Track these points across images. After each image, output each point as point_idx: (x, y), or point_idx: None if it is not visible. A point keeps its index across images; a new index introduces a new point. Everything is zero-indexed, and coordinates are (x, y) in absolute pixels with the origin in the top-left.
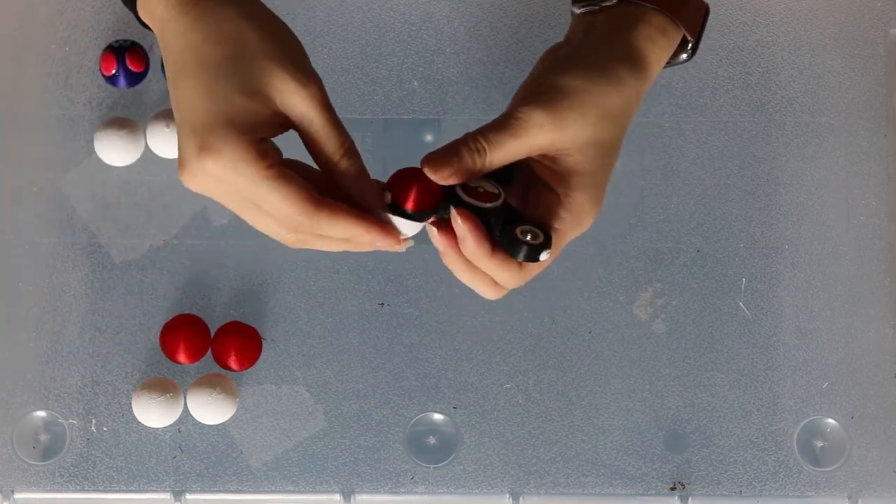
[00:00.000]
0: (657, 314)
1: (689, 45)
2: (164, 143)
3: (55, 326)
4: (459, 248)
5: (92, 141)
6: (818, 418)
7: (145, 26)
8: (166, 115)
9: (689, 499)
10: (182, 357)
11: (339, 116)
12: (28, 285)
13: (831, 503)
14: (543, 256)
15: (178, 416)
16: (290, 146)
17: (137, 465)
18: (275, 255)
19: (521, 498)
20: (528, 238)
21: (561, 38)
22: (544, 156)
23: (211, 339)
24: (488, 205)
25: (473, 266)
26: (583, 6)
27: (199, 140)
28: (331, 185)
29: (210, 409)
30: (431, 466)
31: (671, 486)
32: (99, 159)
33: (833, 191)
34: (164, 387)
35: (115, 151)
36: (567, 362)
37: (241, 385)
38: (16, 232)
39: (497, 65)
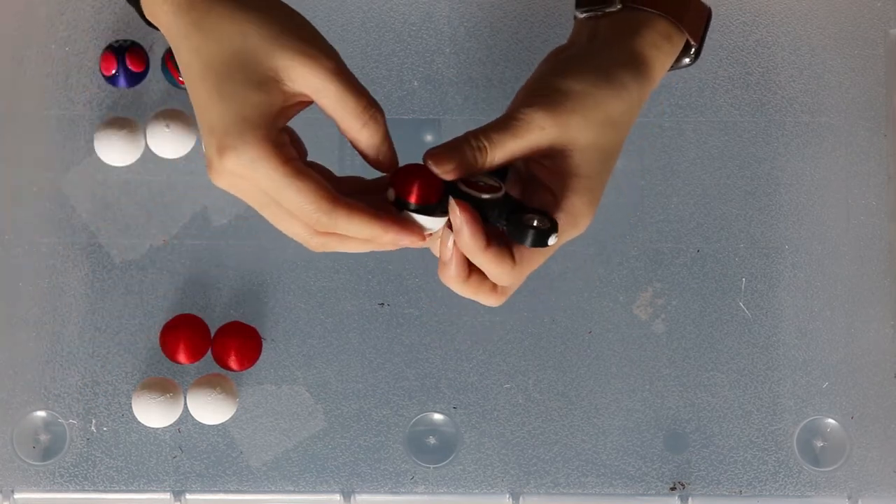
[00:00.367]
0: (657, 314)
1: (692, 49)
2: (164, 143)
3: (55, 326)
4: (461, 262)
5: (92, 141)
6: (818, 418)
7: (153, 27)
8: (166, 115)
9: (689, 499)
10: (182, 357)
11: None
12: (28, 285)
13: (831, 503)
14: (552, 241)
15: (178, 416)
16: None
17: (137, 465)
18: (275, 255)
19: (521, 498)
20: (535, 223)
21: (561, 39)
22: (544, 157)
23: (211, 339)
24: (489, 196)
25: (468, 274)
26: (586, 11)
27: (217, 140)
28: (353, 187)
29: (210, 409)
30: (431, 466)
31: (671, 486)
32: (99, 159)
33: (833, 191)
34: (164, 387)
35: (115, 151)
36: (567, 362)
37: (241, 385)
38: (16, 232)
39: (497, 65)
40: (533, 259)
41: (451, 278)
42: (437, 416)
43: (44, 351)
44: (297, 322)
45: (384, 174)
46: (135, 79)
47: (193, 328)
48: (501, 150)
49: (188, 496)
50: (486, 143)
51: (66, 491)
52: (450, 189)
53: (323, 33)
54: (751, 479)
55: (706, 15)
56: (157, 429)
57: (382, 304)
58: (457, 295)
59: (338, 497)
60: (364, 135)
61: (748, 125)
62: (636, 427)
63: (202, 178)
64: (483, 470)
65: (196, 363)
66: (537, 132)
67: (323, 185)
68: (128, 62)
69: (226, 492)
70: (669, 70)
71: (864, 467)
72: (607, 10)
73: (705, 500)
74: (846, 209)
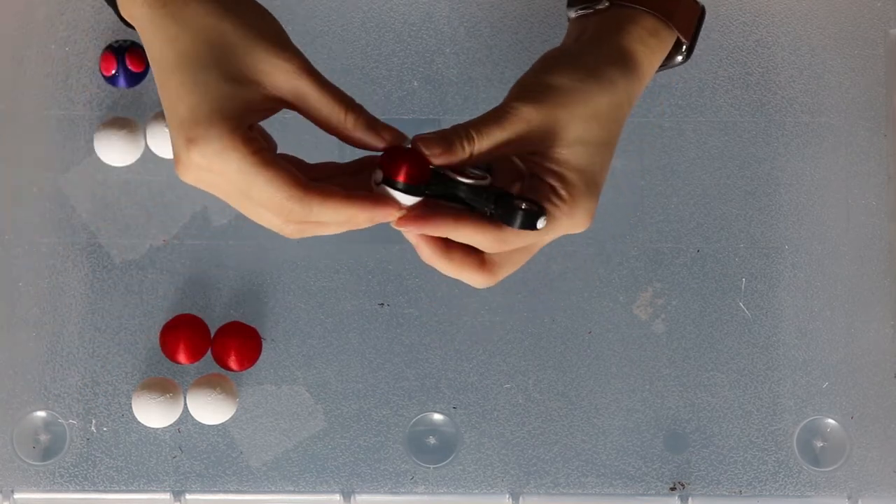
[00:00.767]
0: (657, 314)
1: (684, 47)
2: (164, 143)
3: (55, 326)
4: (433, 240)
5: (92, 141)
6: (818, 418)
7: (129, 25)
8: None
9: (689, 499)
10: (182, 357)
11: None
12: (28, 285)
13: (831, 503)
14: (541, 224)
15: (178, 416)
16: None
17: (137, 465)
18: (275, 255)
19: (521, 498)
20: (524, 206)
21: (561, 39)
22: (534, 152)
23: (211, 339)
24: (474, 182)
25: (452, 251)
26: (577, 10)
27: (186, 132)
28: (326, 172)
29: (210, 409)
30: (431, 466)
31: (671, 486)
32: (99, 159)
33: (833, 191)
34: (164, 387)
35: (114, 151)
36: (567, 362)
37: (241, 385)
38: (16, 232)
39: (497, 65)
40: (521, 243)
41: (429, 258)
42: (437, 416)
43: (44, 351)
44: (297, 322)
45: (358, 158)
46: (135, 79)
47: (193, 328)
48: (488, 140)
49: (188, 496)
50: (474, 133)
51: (66, 491)
52: (437, 175)
53: (323, 33)
54: (751, 479)
55: (698, 12)
56: (157, 429)
57: (382, 304)
58: (457, 295)
59: (338, 497)
60: (350, 120)
61: (748, 125)
62: (636, 427)
63: None
64: (483, 470)
65: (196, 363)
66: (524, 124)
67: (293, 173)
68: (128, 62)
69: (226, 492)
70: (663, 68)
71: (864, 467)
72: (597, 8)
73: (705, 500)
74: (846, 209)
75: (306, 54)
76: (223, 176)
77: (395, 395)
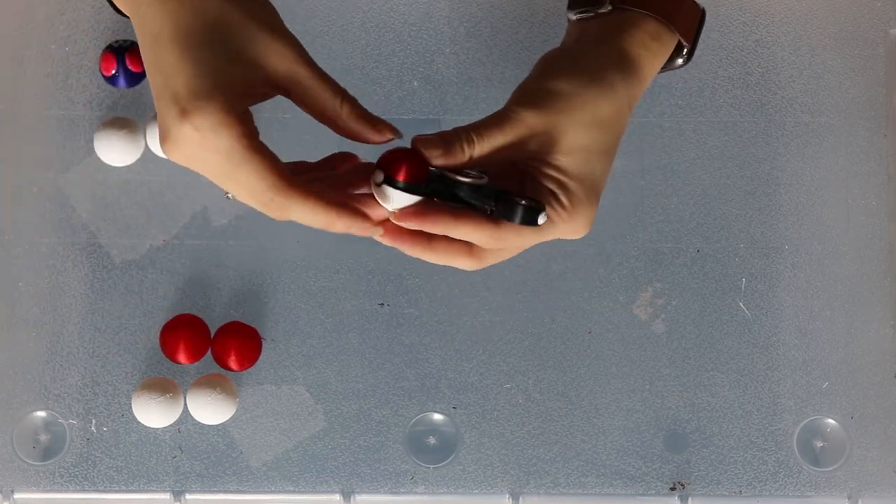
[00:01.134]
0: (657, 314)
1: (685, 49)
2: None
3: (55, 326)
4: (415, 237)
5: (92, 141)
6: (818, 418)
7: (120, 13)
8: None
9: (689, 499)
10: (182, 357)
11: None
12: (28, 285)
13: (831, 503)
14: (541, 220)
15: (177, 416)
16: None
17: (137, 465)
18: (275, 255)
19: (521, 498)
20: (525, 202)
21: (560, 40)
22: (534, 158)
23: (211, 339)
24: (472, 181)
25: (434, 242)
26: (578, 13)
27: (182, 105)
28: (299, 170)
29: (210, 410)
30: (431, 466)
31: (671, 486)
32: (99, 159)
33: (833, 191)
34: (163, 387)
35: (114, 151)
36: (567, 362)
37: (241, 385)
38: (16, 232)
39: (497, 65)
40: (517, 241)
41: (414, 253)
42: (437, 416)
43: (44, 351)
44: (297, 322)
45: (328, 156)
46: (135, 79)
47: (193, 328)
48: (488, 143)
49: (188, 496)
50: (475, 137)
51: (66, 491)
52: (436, 174)
53: (323, 33)
54: (751, 479)
55: (699, 15)
56: (157, 429)
57: (382, 304)
58: (457, 295)
59: (338, 497)
60: (346, 109)
61: (748, 125)
62: (636, 427)
63: (202, 178)
64: (483, 470)
65: (196, 363)
66: (525, 129)
67: (279, 166)
68: (128, 62)
69: (226, 492)
70: (663, 71)
71: (864, 467)
72: (598, 12)
73: (705, 500)
74: (846, 209)
75: None
76: (212, 153)
77: (395, 395)
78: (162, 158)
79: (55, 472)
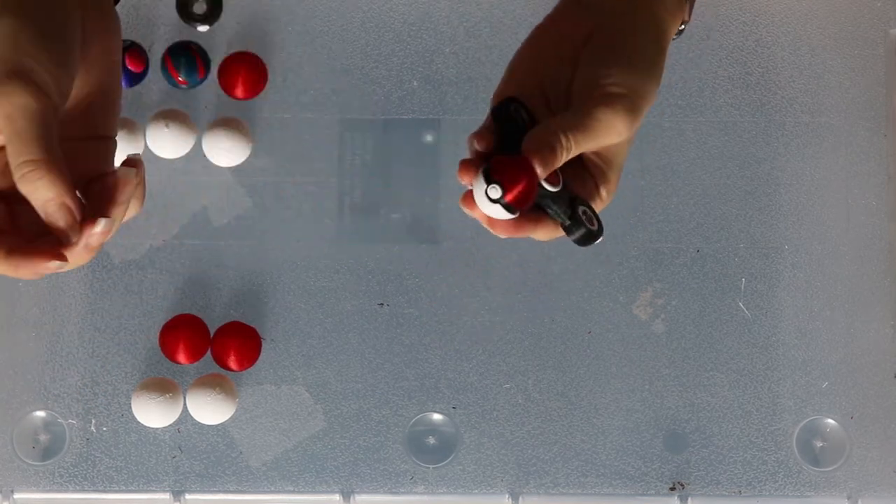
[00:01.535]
0: (657, 314)
1: (682, 24)
2: (163, 143)
3: (55, 326)
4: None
5: None
6: (818, 418)
7: None
8: (166, 115)
9: (689, 499)
10: (182, 357)
11: (340, 116)
12: (28, 285)
13: (831, 503)
14: (594, 243)
15: (177, 416)
16: None
17: (137, 465)
18: (275, 255)
19: (520, 498)
20: (589, 223)
21: None
22: (596, 151)
23: (210, 339)
24: (556, 189)
25: (516, 228)
26: None
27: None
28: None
29: (210, 409)
30: (431, 466)
31: (671, 486)
32: None
33: (833, 191)
34: (163, 387)
35: None
36: (567, 362)
37: (241, 385)
38: None
39: (497, 65)
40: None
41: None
42: (437, 416)
43: (44, 351)
44: (297, 322)
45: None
46: (134, 79)
47: (193, 328)
48: (577, 150)
49: (188, 496)
50: (573, 143)
51: (66, 491)
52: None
53: (323, 33)
54: (750, 480)
55: None
56: (157, 429)
57: (382, 304)
58: (457, 295)
59: (337, 497)
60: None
61: (748, 125)
62: (636, 427)
63: (202, 178)
64: (483, 470)
65: (196, 363)
66: (613, 135)
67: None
68: (127, 62)
69: (225, 492)
70: None
71: (864, 467)
72: None
73: (705, 500)
74: (846, 209)
75: (306, 54)
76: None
77: (395, 395)
78: (162, 158)
79: (55, 472)
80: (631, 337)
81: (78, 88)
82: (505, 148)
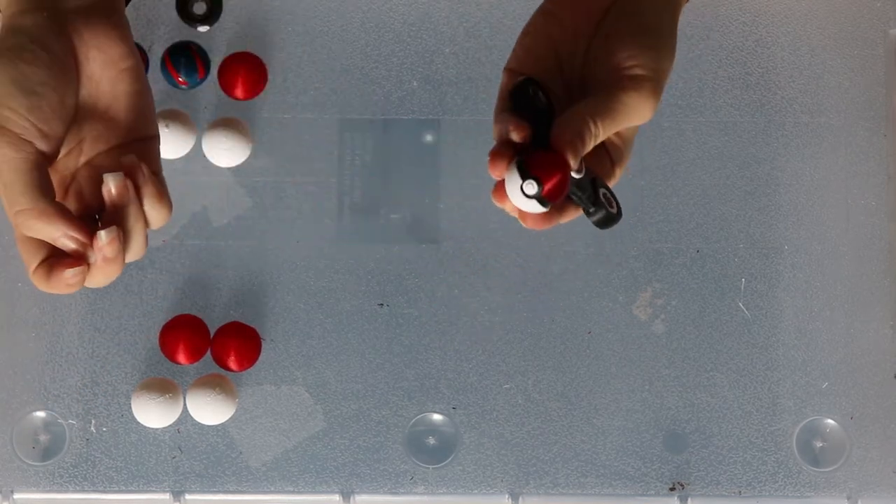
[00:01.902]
0: (657, 314)
1: None
2: (163, 143)
3: (55, 326)
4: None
5: None
6: (817, 418)
7: None
8: (166, 115)
9: (689, 499)
10: (181, 357)
11: (339, 116)
12: (28, 285)
13: (831, 503)
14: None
15: (177, 417)
16: None
17: (137, 466)
18: (275, 255)
19: (520, 498)
20: (612, 209)
21: None
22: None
23: (210, 340)
24: (581, 176)
25: (547, 220)
26: None
27: None
28: None
29: (209, 410)
30: (431, 467)
31: (671, 486)
32: None
33: (833, 191)
34: (163, 387)
35: None
36: (567, 362)
37: (241, 385)
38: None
39: (497, 65)
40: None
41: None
42: (437, 417)
43: (44, 351)
44: (297, 322)
45: None
46: None
47: (193, 328)
48: (604, 135)
49: (187, 496)
50: (601, 129)
51: (66, 491)
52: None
53: (323, 33)
54: (750, 480)
55: None
56: (157, 429)
57: (382, 304)
58: (456, 295)
59: (337, 497)
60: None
61: (748, 125)
62: (636, 427)
63: (202, 178)
64: (482, 470)
65: (195, 363)
66: (640, 119)
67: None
68: None
69: (225, 492)
70: None
71: (864, 467)
72: None
73: (705, 500)
74: (846, 209)
75: (306, 54)
76: None
77: (395, 396)
78: (162, 158)
79: (55, 472)
80: (631, 337)
81: (91, 104)
82: None
